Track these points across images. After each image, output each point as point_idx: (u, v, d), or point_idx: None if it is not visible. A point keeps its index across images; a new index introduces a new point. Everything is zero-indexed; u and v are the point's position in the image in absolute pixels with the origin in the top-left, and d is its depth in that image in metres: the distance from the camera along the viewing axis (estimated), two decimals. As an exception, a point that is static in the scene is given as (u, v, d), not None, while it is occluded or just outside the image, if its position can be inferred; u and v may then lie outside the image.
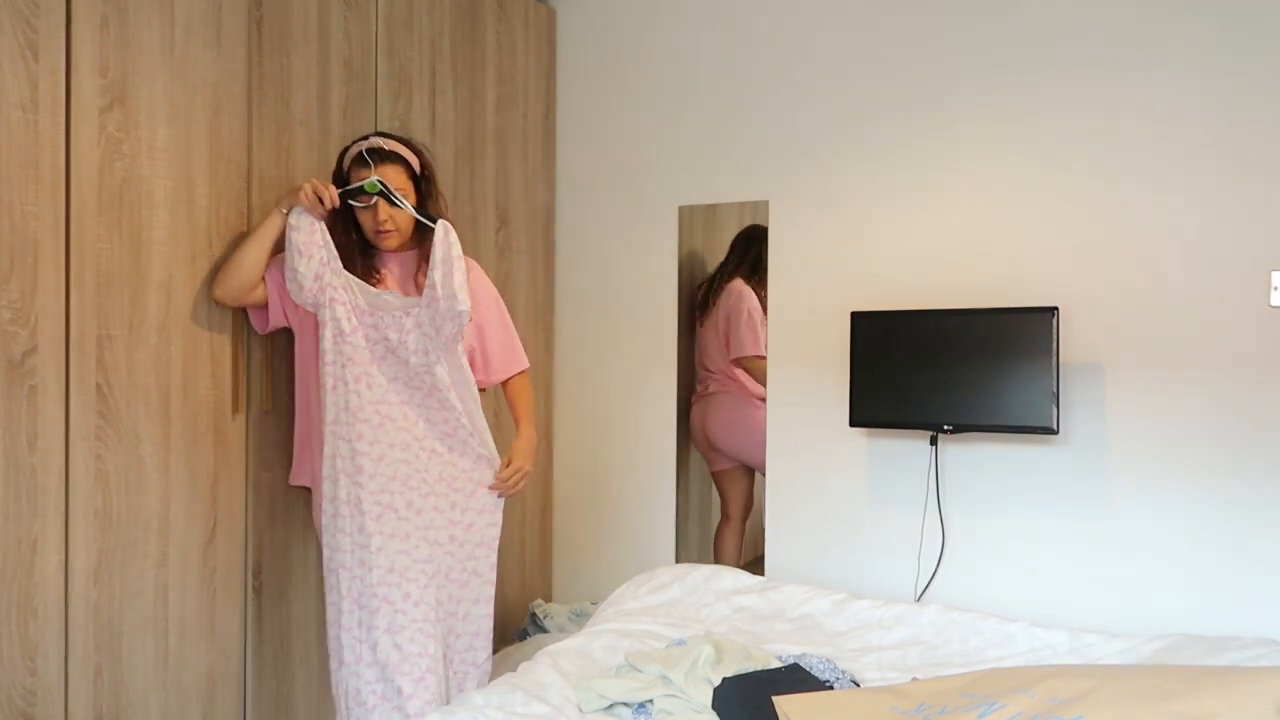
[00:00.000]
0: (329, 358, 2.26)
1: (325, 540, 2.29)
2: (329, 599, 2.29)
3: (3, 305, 1.90)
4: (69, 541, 2.02)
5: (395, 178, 2.28)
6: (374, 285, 2.32)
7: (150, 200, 2.15)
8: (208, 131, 2.25)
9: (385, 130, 2.58)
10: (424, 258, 2.35)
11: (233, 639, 2.34)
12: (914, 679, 2.08)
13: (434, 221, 2.26)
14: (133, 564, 2.13)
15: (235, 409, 2.32)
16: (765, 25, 2.99)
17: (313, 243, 2.24)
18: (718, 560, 3.07)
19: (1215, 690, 1.64)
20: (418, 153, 2.37)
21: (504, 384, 2.54)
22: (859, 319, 2.71)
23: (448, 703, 2.24)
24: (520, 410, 2.54)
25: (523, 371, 2.54)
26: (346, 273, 2.28)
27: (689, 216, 3.12)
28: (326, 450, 2.27)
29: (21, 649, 1.94)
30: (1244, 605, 2.41)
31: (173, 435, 2.20)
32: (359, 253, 2.34)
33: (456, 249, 2.23)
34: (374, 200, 2.26)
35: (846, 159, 2.87)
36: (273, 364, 2.40)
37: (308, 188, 2.21)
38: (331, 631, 2.28)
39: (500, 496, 2.42)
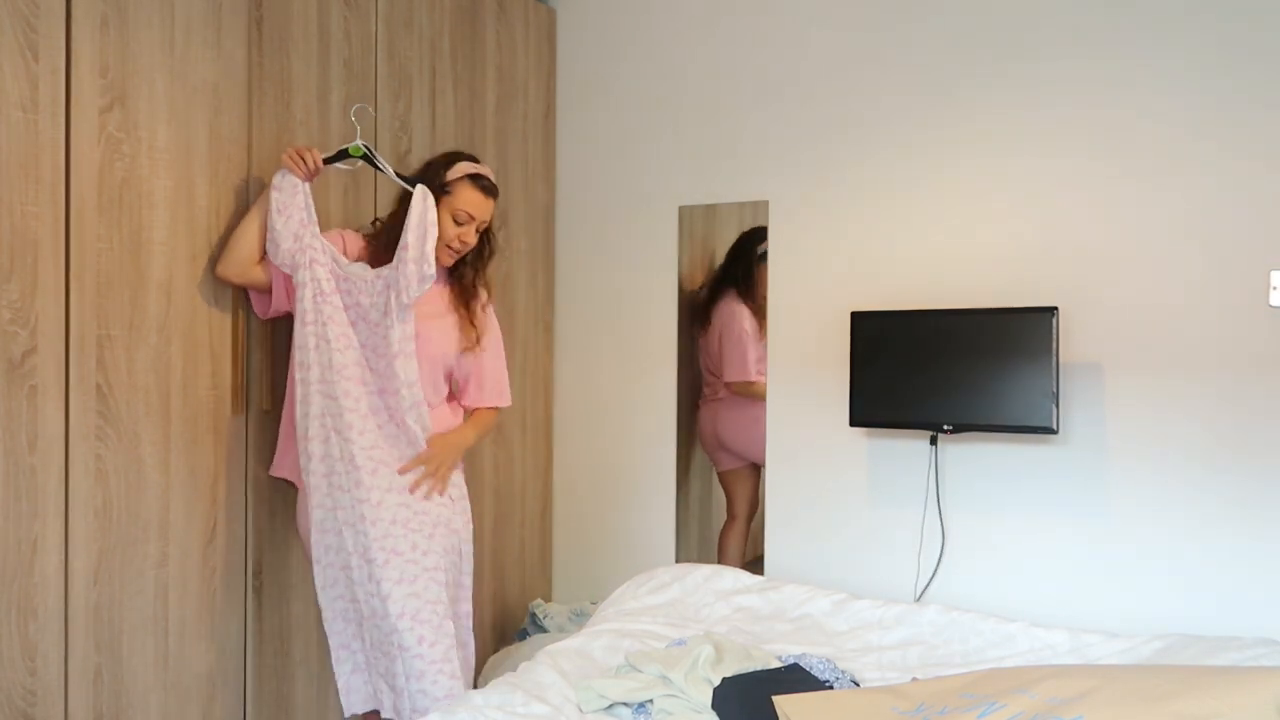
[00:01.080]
0: (309, 317, 2.27)
1: (317, 501, 2.26)
2: (327, 560, 2.28)
3: (3, 305, 1.90)
4: (69, 541, 2.02)
5: (490, 212, 2.41)
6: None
7: (150, 200, 2.15)
8: (208, 131, 2.25)
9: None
10: (443, 281, 2.46)
11: (233, 639, 2.34)
12: (914, 679, 2.08)
13: (413, 185, 2.29)
14: (133, 564, 2.13)
15: (235, 409, 2.32)
16: (765, 25, 2.99)
17: (293, 203, 2.26)
18: (721, 560, 3.06)
19: (1215, 690, 1.64)
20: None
21: (475, 410, 2.55)
22: (859, 319, 2.71)
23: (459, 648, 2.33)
24: (471, 422, 2.52)
25: (498, 408, 2.56)
26: (324, 239, 2.30)
27: (689, 216, 3.12)
28: (314, 409, 2.27)
29: (21, 649, 1.94)
30: (1244, 605, 2.41)
31: (173, 435, 2.20)
32: (394, 247, 2.34)
33: (432, 214, 2.27)
34: (359, 164, 2.32)
35: (846, 159, 2.87)
36: (273, 364, 2.40)
37: (291, 150, 2.26)
38: (336, 591, 2.29)
39: (406, 488, 2.32)
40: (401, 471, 2.31)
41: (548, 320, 3.29)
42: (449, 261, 2.42)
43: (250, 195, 2.34)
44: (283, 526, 2.44)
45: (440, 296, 2.45)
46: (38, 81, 1.94)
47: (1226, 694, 1.62)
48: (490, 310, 2.53)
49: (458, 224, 2.37)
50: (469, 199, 2.37)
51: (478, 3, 2.99)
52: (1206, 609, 2.44)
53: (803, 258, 2.92)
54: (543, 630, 3.02)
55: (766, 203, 2.98)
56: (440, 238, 2.35)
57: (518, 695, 1.96)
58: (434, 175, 2.37)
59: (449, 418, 2.47)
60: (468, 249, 2.42)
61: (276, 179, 2.26)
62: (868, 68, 2.84)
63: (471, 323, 2.46)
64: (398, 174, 2.33)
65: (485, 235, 2.47)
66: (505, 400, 2.56)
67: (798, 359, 2.93)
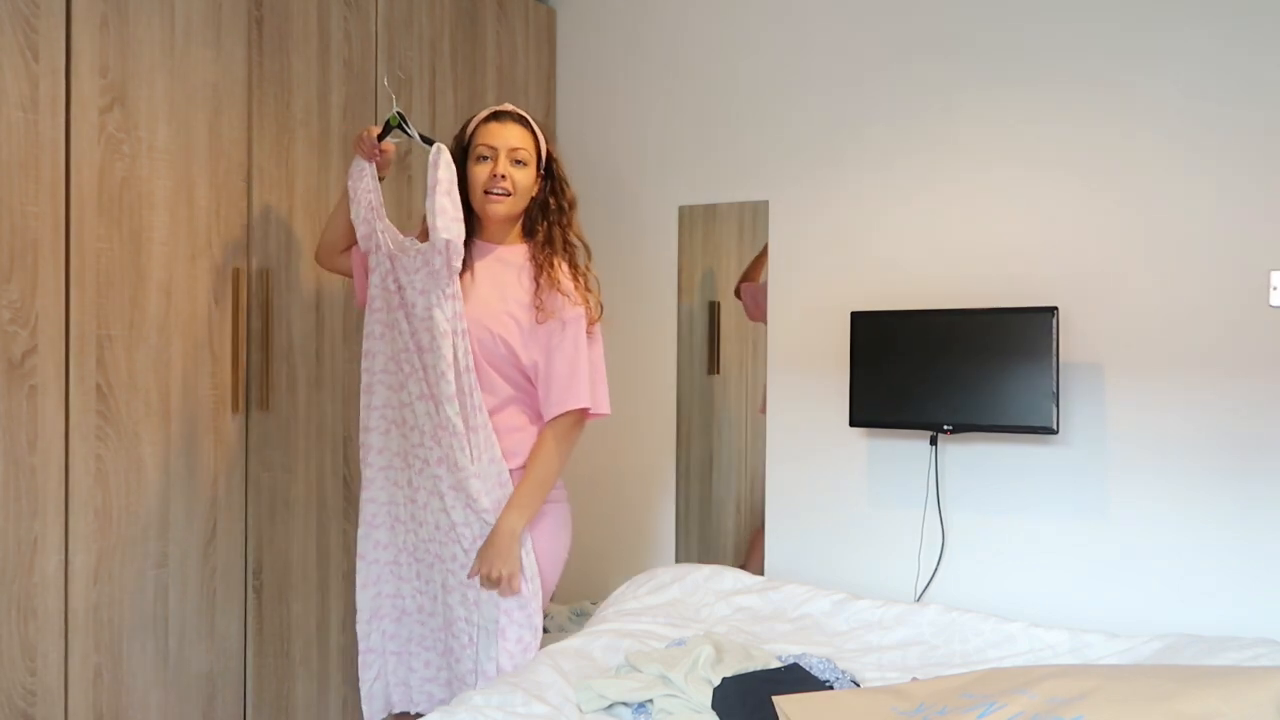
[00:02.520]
0: (377, 304, 2.22)
1: (370, 495, 2.23)
2: (373, 556, 2.25)
3: (3, 305, 1.90)
4: (69, 541, 2.02)
5: (523, 139, 2.18)
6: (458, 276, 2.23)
7: (150, 200, 2.15)
8: (208, 131, 2.25)
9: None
10: (522, 255, 2.24)
11: (233, 639, 2.34)
12: (914, 679, 2.08)
13: (431, 144, 2.13)
14: (133, 564, 2.13)
15: (235, 409, 2.32)
16: (765, 25, 2.98)
17: (360, 187, 2.24)
18: (747, 565, 3.04)
19: (1216, 690, 1.64)
20: (546, 138, 2.27)
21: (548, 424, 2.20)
22: (859, 319, 2.71)
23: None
24: (527, 469, 2.16)
25: (577, 412, 2.18)
26: (388, 222, 2.24)
27: (689, 216, 3.12)
28: (376, 400, 2.22)
29: (21, 649, 1.94)
30: (1244, 605, 2.41)
31: (173, 435, 2.20)
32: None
33: (445, 171, 2.09)
34: (404, 136, 2.19)
35: (846, 159, 2.87)
36: (272, 364, 2.40)
37: (360, 132, 2.21)
38: (377, 589, 2.26)
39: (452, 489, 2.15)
40: (470, 577, 2.15)
41: (548, 320, 3.29)
42: (505, 210, 2.18)
43: (251, 195, 2.34)
44: (282, 526, 2.44)
45: (511, 269, 2.21)
46: (38, 81, 1.94)
47: (1226, 694, 1.62)
48: (585, 273, 2.22)
49: (485, 160, 2.17)
50: (482, 134, 2.18)
51: (478, 3, 2.99)
52: (1206, 609, 2.44)
53: (803, 258, 2.92)
54: (543, 630, 3.02)
55: (766, 203, 2.98)
56: (474, 192, 2.19)
57: (518, 695, 1.96)
58: (458, 139, 2.25)
59: (516, 427, 2.20)
60: (517, 187, 2.18)
61: (351, 167, 2.25)
62: (868, 68, 2.84)
63: (536, 292, 2.16)
64: (421, 136, 2.19)
65: (550, 180, 2.24)
66: (584, 401, 2.15)
67: (797, 359, 2.93)
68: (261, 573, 2.39)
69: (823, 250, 2.89)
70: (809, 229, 2.92)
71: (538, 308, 2.16)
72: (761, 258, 3.01)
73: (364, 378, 2.25)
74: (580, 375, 2.17)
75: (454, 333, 2.10)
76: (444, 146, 2.12)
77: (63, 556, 2.01)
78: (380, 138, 2.22)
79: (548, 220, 2.24)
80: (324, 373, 2.50)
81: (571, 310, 2.18)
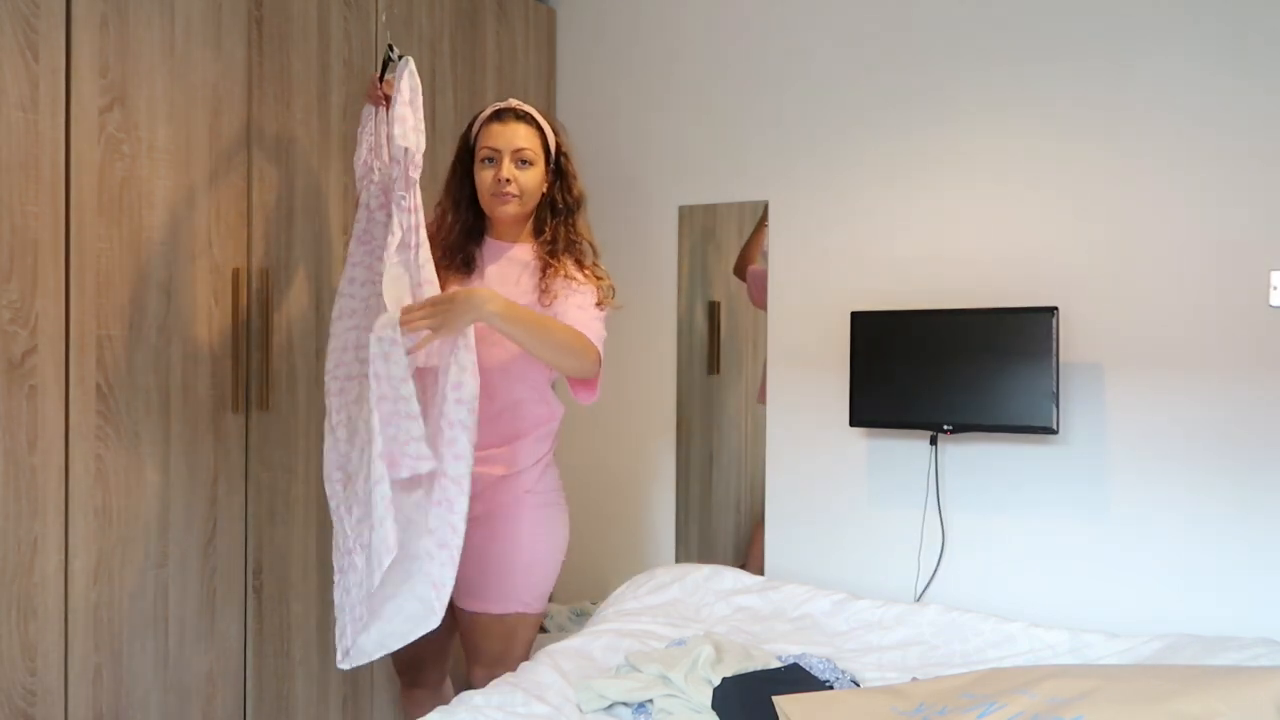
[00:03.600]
0: (364, 236, 2.19)
1: (330, 444, 2.17)
2: (336, 502, 2.17)
3: (3, 305, 1.90)
4: (69, 541, 2.02)
5: (528, 138, 2.15)
6: (469, 277, 2.20)
7: (150, 200, 2.15)
8: (208, 131, 2.25)
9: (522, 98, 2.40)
10: (532, 253, 2.22)
11: (233, 639, 2.34)
12: (914, 679, 2.08)
13: (400, 59, 2.05)
14: (133, 564, 2.13)
15: (235, 408, 2.32)
16: (765, 25, 2.98)
17: (364, 129, 2.24)
18: (747, 565, 3.04)
19: (1216, 690, 1.64)
20: (556, 130, 2.24)
21: None
22: (859, 319, 2.71)
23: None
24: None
25: (594, 350, 2.12)
26: (384, 156, 2.19)
27: (689, 216, 3.12)
28: (353, 323, 2.17)
29: (21, 649, 1.94)
30: (1244, 605, 2.41)
31: (172, 435, 2.20)
32: (466, 233, 2.22)
33: (408, 81, 1.99)
34: (407, 62, 2.02)
35: (846, 159, 2.87)
36: (272, 364, 2.40)
37: (369, 81, 2.22)
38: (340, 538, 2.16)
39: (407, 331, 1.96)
40: (404, 313, 1.93)
41: (548, 320, 3.29)
42: (514, 210, 2.18)
43: (251, 195, 2.34)
44: (283, 526, 2.44)
45: (520, 267, 2.20)
46: (38, 81, 1.94)
47: (1226, 694, 1.62)
48: (590, 266, 2.20)
49: (490, 163, 2.16)
50: (486, 135, 2.16)
51: (478, 3, 2.99)
52: (1206, 609, 2.44)
53: (803, 258, 2.92)
54: (543, 630, 3.02)
55: (766, 203, 2.98)
56: (481, 194, 2.18)
57: (518, 695, 1.96)
58: (464, 137, 2.22)
59: (526, 447, 2.19)
60: (524, 188, 2.16)
61: (362, 114, 2.25)
62: (868, 67, 2.84)
63: (542, 280, 2.16)
64: (399, 56, 2.09)
65: (559, 182, 2.21)
66: (597, 344, 2.12)
67: (798, 358, 2.93)
68: (261, 573, 2.39)
69: (823, 250, 2.89)
70: (809, 229, 2.92)
71: (544, 289, 2.15)
72: (759, 232, 2.99)
73: (335, 324, 2.20)
74: (591, 328, 2.13)
75: (411, 245, 2.01)
76: (410, 59, 2.02)
77: (63, 556, 2.01)
78: (381, 78, 2.20)
79: (555, 219, 2.23)
80: (324, 372, 2.50)
81: (579, 286, 2.16)
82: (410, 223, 2.00)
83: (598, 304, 2.19)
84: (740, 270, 3.05)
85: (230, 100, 2.29)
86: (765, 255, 2.98)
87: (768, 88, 2.98)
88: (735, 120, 3.03)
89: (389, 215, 2.10)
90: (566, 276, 2.16)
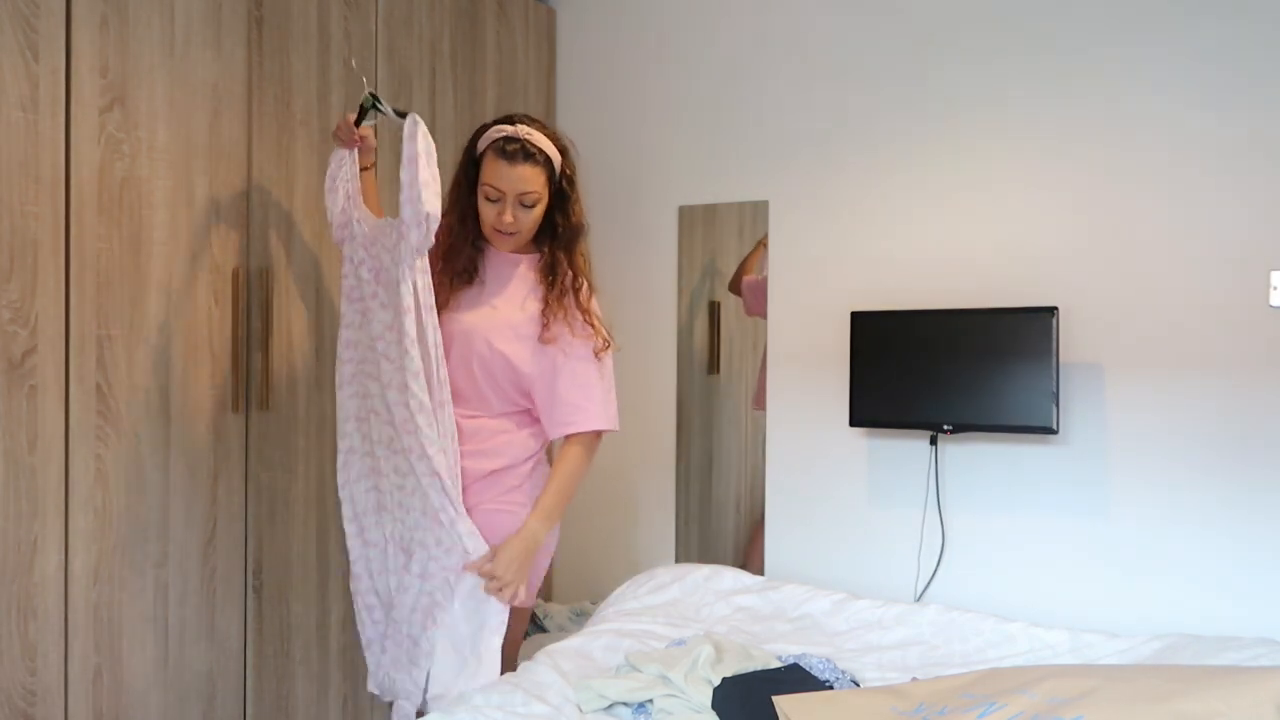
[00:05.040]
0: (354, 294, 2.21)
1: (349, 490, 2.24)
2: (357, 553, 2.25)
3: (3, 305, 1.90)
4: (69, 541, 2.02)
5: (533, 180, 2.12)
6: (468, 285, 2.22)
7: (150, 200, 2.15)
8: (208, 131, 2.25)
9: (528, 114, 2.35)
10: (534, 267, 2.22)
11: (233, 639, 2.34)
12: (914, 679, 2.08)
13: (403, 116, 2.05)
14: (133, 564, 2.13)
15: (235, 408, 2.32)
16: (765, 24, 2.99)
17: (339, 175, 2.23)
18: (747, 565, 3.04)
19: (1216, 690, 1.64)
20: (562, 151, 2.19)
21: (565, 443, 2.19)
22: (859, 319, 2.71)
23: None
24: (550, 481, 2.17)
25: (589, 434, 2.17)
26: (366, 210, 2.23)
27: (689, 216, 3.12)
28: (355, 389, 2.21)
29: (21, 649, 1.94)
30: (1244, 605, 2.41)
31: (172, 435, 2.20)
32: (468, 244, 2.22)
33: (423, 143, 1.99)
34: (387, 115, 2.11)
35: (846, 159, 2.87)
36: (272, 364, 2.40)
37: (339, 121, 2.20)
38: (367, 583, 2.26)
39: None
40: (467, 568, 2.07)
41: (548, 320, 3.28)
42: (510, 247, 2.20)
43: (250, 195, 2.34)
44: (282, 526, 2.44)
45: (523, 283, 2.20)
46: (38, 81, 1.94)
47: (1227, 694, 1.62)
48: (587, 309, 2.18)
49: (491, 201, 2.13)
50: (491, 171, 2.11)
51: (478, 3, 2.99)
52: (1206, 609, 2.44)
53: (803, 258, 2.92)
54: (542, 630, 3.02)
55: (766, 203, 2.98)
56: (482, 222, 2.17)
57: (518, 695, 1.96)
58: (469, 149, 2.21)
59: (518, 442, 2.22)
60: (523, 227, 2.15)
61: (331, 156, 2.25)
62: (868, 67, 2.84)
63: (543, 313, 2.15)
64: (396, 111, 2.11)
65: (560, 205, 2.18)
66: (597, 423, 2.15)
67: (798, 359, 2.92)
68: (261, 573, 2.39)
69: (823, 250, 2.89)
70: (809, 229, 2.92)
71: (545, 325, 2.16)
72: (757, 250, 3.00)
73: (340, 369, 2.25)
74: (593, 396, 2.16)
75: (420, 307, 2.04)
76: (419, 118, 2.02)
77: (63, 556, 2.01)
78: (357, 123, 2.19)
79: (554, 244, 2.21)
80: (324, 373, 2.50)
81: (580, 335, 2.18)
82: (424, 284, 2.05)
83: (597, 353, 2.20)
84: (735, 287, 3.06)
85: (230, 100, 2.29)
86: (762, 267, 2.98)
87: (768, 87, 2.98)
88: (735, 120, 3.03)
89: (374, 272, 2.15)
90: (567, 320, 2.16)
